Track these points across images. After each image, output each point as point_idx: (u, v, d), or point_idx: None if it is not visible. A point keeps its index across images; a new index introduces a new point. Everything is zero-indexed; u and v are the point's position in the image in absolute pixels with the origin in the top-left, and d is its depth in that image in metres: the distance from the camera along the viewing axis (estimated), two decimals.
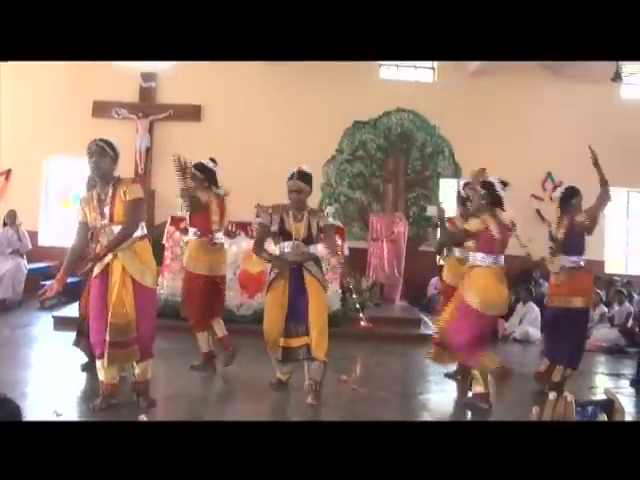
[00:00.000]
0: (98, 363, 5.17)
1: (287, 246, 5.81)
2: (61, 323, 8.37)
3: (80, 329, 6.29)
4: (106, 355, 5.00)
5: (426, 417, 5.60)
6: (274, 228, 5.82)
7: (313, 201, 12.60)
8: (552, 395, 1.38)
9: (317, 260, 5.94)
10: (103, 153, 5.05)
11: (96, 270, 5.10)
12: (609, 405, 1.40)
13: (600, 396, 5.85)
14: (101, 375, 5.16)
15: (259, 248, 5.93)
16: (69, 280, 5.40)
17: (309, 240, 5.83)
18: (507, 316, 10.23)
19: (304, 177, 5.67)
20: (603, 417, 1.39)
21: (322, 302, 5.82)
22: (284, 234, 5.82)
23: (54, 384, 5.98)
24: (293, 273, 5.83)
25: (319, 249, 6.07)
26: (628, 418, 5.22)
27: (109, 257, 5.03)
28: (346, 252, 9.53)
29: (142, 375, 5.28)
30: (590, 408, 1.38)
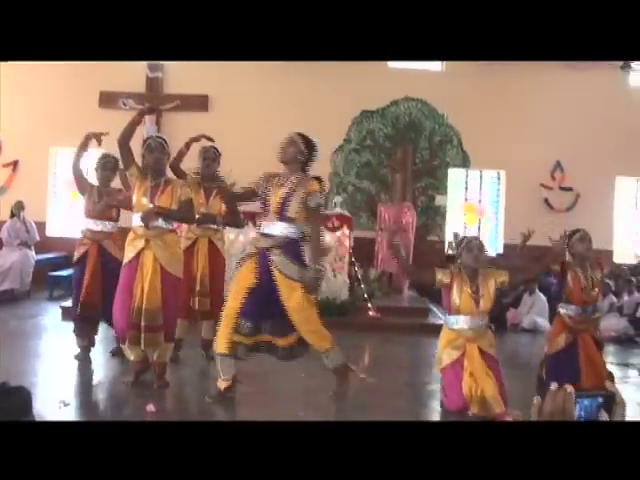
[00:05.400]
0: (124, 346, 5.53)
1: (263, 224, 5.16)
2: (69, 313, 8.36)
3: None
4: (142, 338, 5.34)
5: (434, 406, 5.59)
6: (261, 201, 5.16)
7: None
8: (553, 386, 1.36)
9: (291, 246, 5.04)
10: (163, 150, 5.64)
11: (126, 258, 5.50)
12: (610, 398, 1.38)
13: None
14: (130, 355, 5.52)
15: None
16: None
17: (282, 214, 5.05)
18: (515, 306, 10.22)
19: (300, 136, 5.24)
20: (602, 412, 1.37)
21: (300, 307, 5.01)
22: (264, 206, 5.13)
23: (62, 374, 6.00)
24: (260, 262, 5.06)
25: (290, 231, 5.06)
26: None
27: (141, 245, 5.41)
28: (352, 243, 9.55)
29: (161, 357, 5.58)
30: (589, 400, 1.36)
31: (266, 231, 5.09)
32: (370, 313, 9.14)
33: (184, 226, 6.51)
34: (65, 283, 10.54)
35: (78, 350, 6.45)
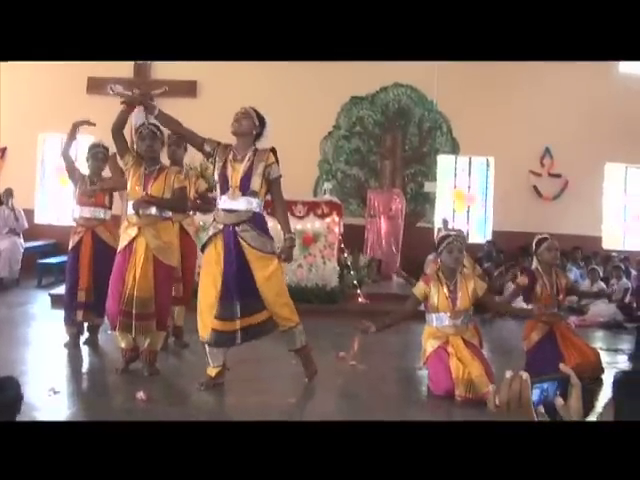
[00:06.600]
0: (115, 333, 5.54)
1: (224, 200, 5.06)
2: (58, 301, 8.33)
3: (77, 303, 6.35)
4: (133, 325, 5.36)
5: (424, 392, 5.61)
6: (216, 173, 5.12)
7: (310, 177, 12.68)
8: (508, 374, 1.36)
9: (257, 219, 5.06)
10: (155, 137, 5.55)
11: (120, 245, 5.51)
12: (565, 381, 1.39)
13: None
14: (120, 342, 5.53)
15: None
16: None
17: (245, 189, 5.04)
18: (500, 293, 10.22)
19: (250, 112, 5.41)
20: (557, 396, 1.38)
21: (275, 279, 5.07)
22: (223, 181, 5.07)
23: (51, 362, 5.98)
24: (227, 239, 5.01)
25: (254, 205, 5.04)
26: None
27: (134, 233, 5.41)
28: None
29: (153, 345, 5.57)
30: (546, 385, 1.36)
31: (229, 207, 5.03)
32: (359, 300, 9.15)
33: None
34: (54, 271, 10.53)
35: (67, 338, 6.43)
